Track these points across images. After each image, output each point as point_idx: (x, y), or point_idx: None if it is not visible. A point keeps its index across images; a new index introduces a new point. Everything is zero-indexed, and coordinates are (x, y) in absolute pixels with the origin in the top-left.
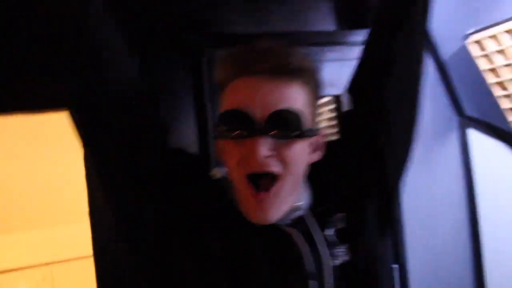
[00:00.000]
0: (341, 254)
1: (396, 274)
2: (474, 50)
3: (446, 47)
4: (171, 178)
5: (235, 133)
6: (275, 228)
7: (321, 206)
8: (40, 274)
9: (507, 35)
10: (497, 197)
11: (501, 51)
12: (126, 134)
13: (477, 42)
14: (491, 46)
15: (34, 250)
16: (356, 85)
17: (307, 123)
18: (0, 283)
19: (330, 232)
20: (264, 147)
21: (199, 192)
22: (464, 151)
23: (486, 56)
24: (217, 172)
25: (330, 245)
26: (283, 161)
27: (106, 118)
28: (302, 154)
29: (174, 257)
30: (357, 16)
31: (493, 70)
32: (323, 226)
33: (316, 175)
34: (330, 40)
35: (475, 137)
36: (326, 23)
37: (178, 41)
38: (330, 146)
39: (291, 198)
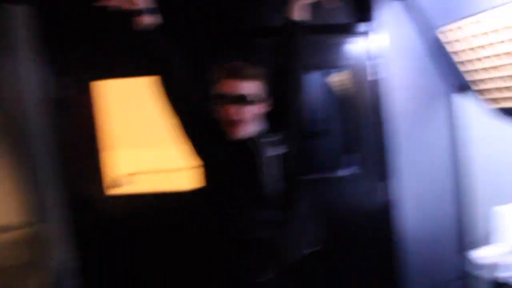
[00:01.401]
0: (273, 151)
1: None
2: (443, 38)
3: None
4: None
5: (221, 102)
6: (242, 142)
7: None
8: None
9: (470, 27)
10: (477, 149)
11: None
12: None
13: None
14: (456, 35)
15: None
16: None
17: (257, 97)
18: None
19: (270, 139)
20: (233, 108)
21: (215, 126)
22: (451, 115)
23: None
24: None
25: (266, 148)
26: (242, 111)
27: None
28: (252, 109)
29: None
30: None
31: (456, 53)
32: (264, 139)
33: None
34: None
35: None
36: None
37: None
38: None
39: (250, 127)
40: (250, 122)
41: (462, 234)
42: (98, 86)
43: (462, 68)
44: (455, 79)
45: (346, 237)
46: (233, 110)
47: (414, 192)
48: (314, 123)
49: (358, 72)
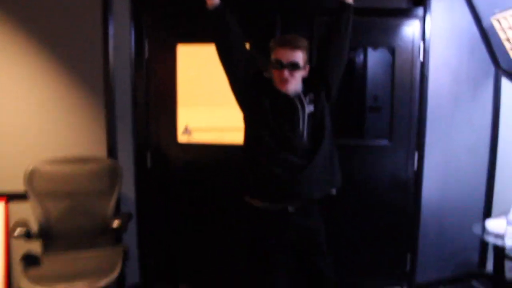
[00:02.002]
0: (310, 108)
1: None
2: (497, 24)
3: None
4: (251, 64)
5: (278, 67)
6: (289, 96)
7: (305, 91)
8: None
9: None
10: None
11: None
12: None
13: (498, 19)
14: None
15: None
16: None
17: (303, 65)
18: None
19: (307, 99)
20: (287, 72)
21: (259, 78)
22: (496, 93)
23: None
24: (266, 74)
25: (307, 105)
26: (293, 75)
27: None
28: (299, 74)
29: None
30: None
31: (508, 40)
32: (304, 99)
33: (305, 79)
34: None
35: (506, 84)
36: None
37: None
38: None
39: (295, 87)
40: (296, 82)
41: (486, 207)
42: (181, 49)
43: None
44: (505, 65)
45: (373, 199)
46: (286, 73)
47: (444, 165)
48: (374, 98)
49: (406, 52)
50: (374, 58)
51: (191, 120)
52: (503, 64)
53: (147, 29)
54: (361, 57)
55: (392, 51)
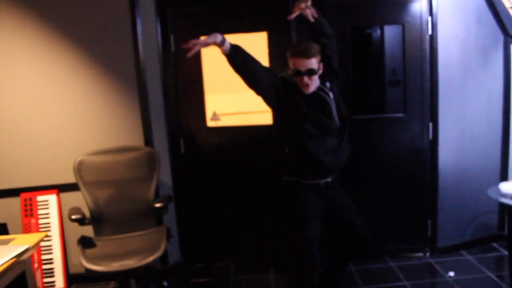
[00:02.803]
0: (331, 94)
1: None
2: None
3: None
4: (276, 80)
5: (298, 75)
6: (313, 93)
7: (323, 82)
8: None
9: None
10: None
11: None
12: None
13: None
14: None
15: None
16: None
17: (318, 67)
18: None
19: (327, 87)
20: (306, 78)
21: (284, 82)
22: (506, 62)
23: None
24: (288, 78)
25: (329, 92)
26: (311, 79)
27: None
28: (316, 76)
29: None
30: None
31: None
32: (325, 88)
33: (320, 77)
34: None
35: None
36: None
37: None
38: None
39: (315, 86)
40: (315, 82)
41: (502, 171)
42: None
43: None
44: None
45: (392, 170)
46: (306, 79)
47: (459, 133)
48: (393, 72)
49: (415, 27)
50: (391, 34)
51: (218, 106)
52: (511, 31)
53: (172, 24)
54: (378, 32)
55: (402, 27)
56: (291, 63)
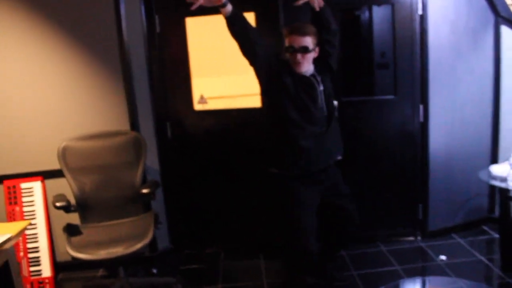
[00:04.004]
0: (321, 87)
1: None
2: None
3: None
4: (271, 55)
5: (291, 51)
6: (304, 76)
7: (316, 72)
8: None
9: None
10: None
11: None
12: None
13: None
14: None
15: None
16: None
17: (312, 48)
18: None
19: (319, 78)
20: (299, 55)
21: (278, 61)
22: (496, 43)
23: None
24: (283, 57)
25: (320, 83)
26: (304, 57)
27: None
28: (310, 56)
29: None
30: None
31: None
32: (317, 78)
33: (315, 60)
34: None
35: (506, 31)
36: None
37: None
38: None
39: (308, 67)
40: (308, 63)
41: (492, 154)
42: (190, 22)
43: (509, 2)
44: (504, 13)
45: (383, 153)
46: (299, 56)
47: (449, 115)
48: (382, 55)
49: (405, 7)
50: (379, 15)
51: (206, 89)
52: (502, 11)
53: (157, 4)
54: (367, 14)
55: (392, 7)
56: (286, 41)
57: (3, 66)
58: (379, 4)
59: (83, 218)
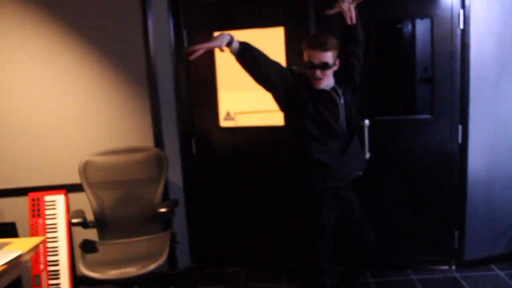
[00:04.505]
0: (342, 100)
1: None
2: None
3: None
4: (287, 76)
5: (310, 67)
6: (324, 91)
7: (337, 85)
8: None
9: None
10: None
11: None
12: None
13: None
14: None
15: None
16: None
17: (333, 62)
18: None
19: (340, 91)
20: (318, 71)
21: (294, 77)
22: None
23: None
24: (296, 68)
25: (341, 96)
26: (324, 74)
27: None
28: (330, 71)
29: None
30: None
31: None
32: (338, 91)
33: (337, 72)
34: None
35: None
36: None
37: None
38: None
39: (328, 82)
40: (328, 78)
41: None
42: None
43: None
44: None
45: (418, 175)
46: (318, 72)
47: (491, 136)
48: (425, 70)
49: (445, 21)
50: (422, 28)
51: (233, 104)
52: None
53: (185, 19)
54: (409, 27)
55: (431, 21)
56: (305, 55)
57: (31, 79)
58: (417, 17)
59: (101, 234)
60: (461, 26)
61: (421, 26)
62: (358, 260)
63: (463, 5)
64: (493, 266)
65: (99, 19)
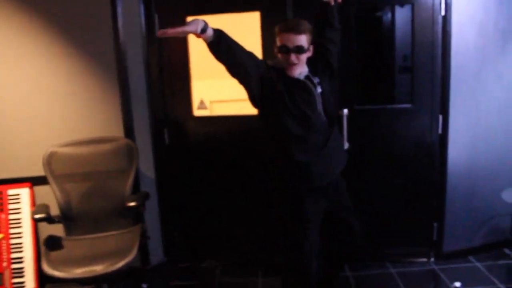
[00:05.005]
0: (319, 89)
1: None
2: None
3: None
4: (262, 68)
5: (285, 51)
6: (299, 79)
7: (311, 73)
8: None
9: None
10: None
11: None
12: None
13: None
14: None
15: None
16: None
17: (307, 47)
18: None
19: (316, 80)
20: (293, 56)
21: (269, 69)
22: None
23: None
24: (269, 62)
25: (316, 85)
26: (299, 58)
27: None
28: (304, 56)
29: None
30: None
31: None
32: (313, 79)
33: (313, 60)
34: None
35: None
36: None
37: None
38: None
39: (302, 69)
40: (302, 64)
41: None
42: None
43: None
44: None
45: (397, 167)
46: (293, 57)
47: (472, 127)
48: (405, 58)
49: (426, 8)
50: (402, 16)
51: (207, 93)
52: None
53: (156, 3)
54: (389, 15)
55: (412, 7)
56: (278, 40)
57: None
58: (402, 5)
59: (68, 230)
60: (443, 13)
61: (401, 14)
62: (344, 252)
63: None
64: (471, 258)
65: (64, 2)
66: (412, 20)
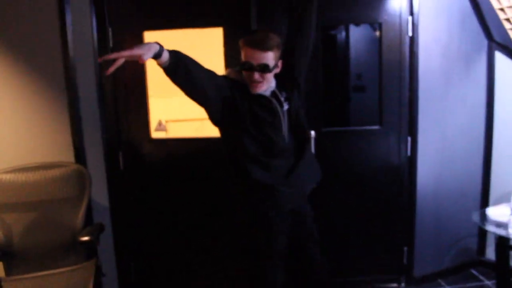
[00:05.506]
0: (286, 106)
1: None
2: None
3: None
4: (223, 87)
5: (248, 68)
6: (263, 96)
7: (279, 88)
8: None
9: None
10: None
11: None
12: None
13: None
14: None
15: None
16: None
17: (274, 64)
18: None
19: (282, 97)
20: (257, 74)
21: (230, 86)
22: (489, 70)
23: None
24: (230, 72)
25: (283, 102)
26: (264, 77)
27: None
28: (270, 75)
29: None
30: None
31: (502, 9)
32: (280, 96)
33: (278, 75)
34: None
35: (500, 58)
36: None
37: None
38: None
39: (267, 86)
40: (267, 82)
41: (483, 192)
42: (148, 36)
43: (507, 26)
44: (498, 38)
45: (365, 190)
46: (257, 76)
47: (439, 149)
48: (359, 77)
49: (393, 28)
50: (357, 35)
51: (164, 112)
52: (496, 36)
53: (110, 15)
54: (343, 34)
55: (379, 27)
56: (243, 54)
57: None
58: (358, 24)
59: (8, 269)
60: (410, 34)
61: (358, 33)
62: (313, 284)
63: (411, 12)
64: (440, 281)
65: (6, 11)
66: (380, 40)
